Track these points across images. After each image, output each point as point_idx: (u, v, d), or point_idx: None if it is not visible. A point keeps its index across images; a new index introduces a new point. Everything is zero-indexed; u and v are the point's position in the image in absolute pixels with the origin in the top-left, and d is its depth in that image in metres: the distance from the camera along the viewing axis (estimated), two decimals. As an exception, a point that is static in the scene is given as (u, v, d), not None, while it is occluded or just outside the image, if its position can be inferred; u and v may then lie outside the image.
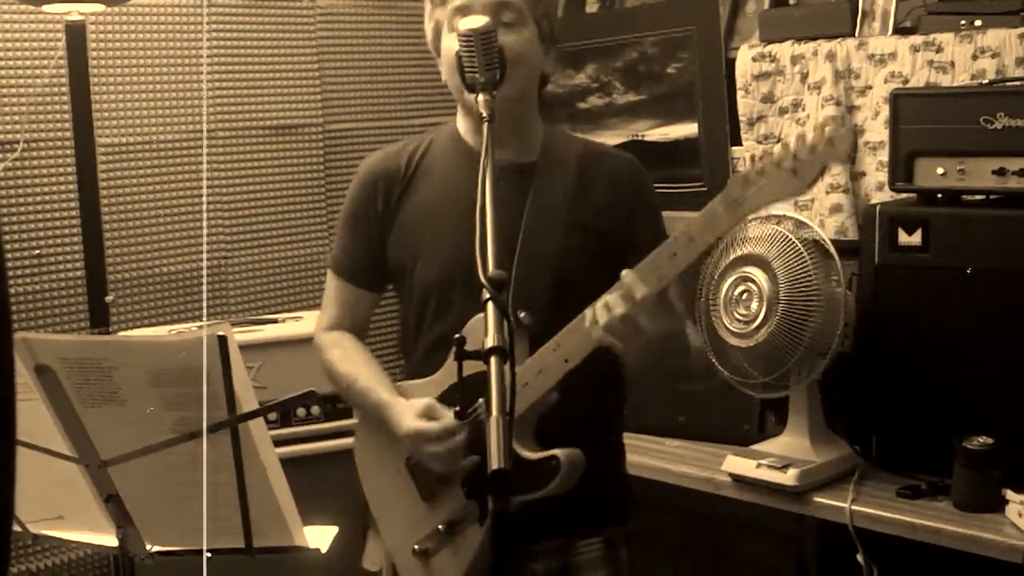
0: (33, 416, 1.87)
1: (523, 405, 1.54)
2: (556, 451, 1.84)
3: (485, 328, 1.45)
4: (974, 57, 2.67)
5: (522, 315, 1.39)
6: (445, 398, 1.99)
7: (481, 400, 1.90)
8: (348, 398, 2.19)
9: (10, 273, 2.86)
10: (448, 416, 1.92)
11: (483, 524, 1.96)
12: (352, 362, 2.13)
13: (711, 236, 1.74)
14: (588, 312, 1.82)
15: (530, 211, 1.99)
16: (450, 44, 1.93)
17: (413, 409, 1.97)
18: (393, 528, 2.13)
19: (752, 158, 3.04)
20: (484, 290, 1.46)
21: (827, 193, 2.91)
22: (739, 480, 2.59)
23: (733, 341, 2.56)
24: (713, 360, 2.63)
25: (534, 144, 2.07)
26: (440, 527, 2.02)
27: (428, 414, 1.94)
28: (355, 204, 2.12)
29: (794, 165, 1.64)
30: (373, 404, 2.06)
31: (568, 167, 2.06)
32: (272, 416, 2.76)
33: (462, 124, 2.09)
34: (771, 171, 1.66)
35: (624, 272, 1.77)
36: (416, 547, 2.05)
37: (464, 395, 1.63)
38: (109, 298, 2.92)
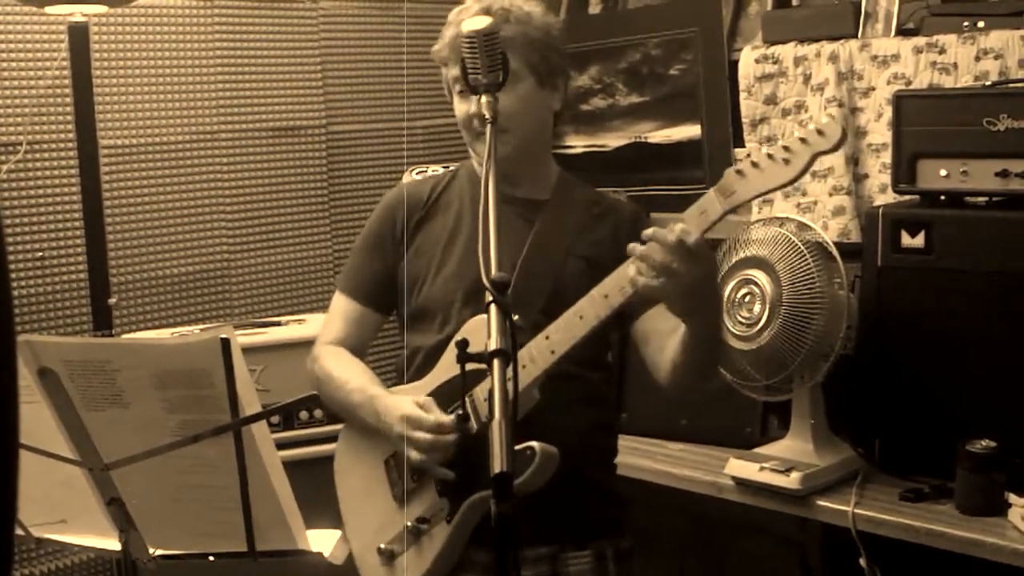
0: (36, 419, 1.87)
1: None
2: (534, 443, 1.85)
3: (488, 330, 1.44)
4: (977, 58, 2.66)
5: (516, 318, 1.42)
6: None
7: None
8: (338, 401, 2.18)
9: (13, 275, 2.86)
10: (442, 414, 1.96)
11: (451, 523, 1.99)
12: (347, 369, 2.17)
13: (704, 223, 1.81)
14: (607, 281, 1.87)
15: (533, 238, 2.07)
16: (459, 105, 2.09)
17: (410, 399, 2.02)
18: (361, 529, 2.15)
19: (748, 155, 3.06)
20: (487, 292, 1.46)
21: (830, 195, 2.91)
22: (742, 483, 2.59)
23: (736, 344, 2.56)
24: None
25: (547, 184, 2.16)
26: (408, 524, 2.04)
27: (424, 405, 1.99)
28: (375, 228, 2.21)
29: (785, 155, 1.74)
30: (365, 398, 2.09)
31: (576, 206, 2.14)
32: (275, 419, 2.76)
33: (477, 168, 2.17)
34: (763, 161, 1.77)
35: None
36: (382, 547, 2.07)
37: (465, 396, 1.65)
38: (112, 300, 2.92)
